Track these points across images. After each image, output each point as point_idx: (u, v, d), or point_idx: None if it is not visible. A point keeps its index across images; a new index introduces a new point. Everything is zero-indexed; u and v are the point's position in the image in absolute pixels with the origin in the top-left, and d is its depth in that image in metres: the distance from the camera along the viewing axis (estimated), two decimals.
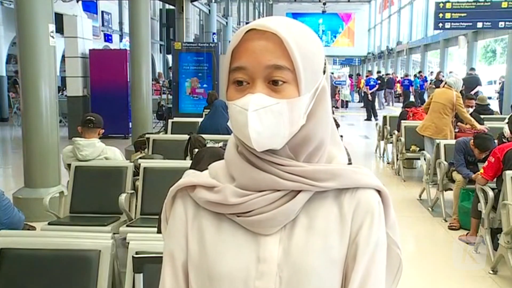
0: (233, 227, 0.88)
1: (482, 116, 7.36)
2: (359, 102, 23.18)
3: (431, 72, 23.48)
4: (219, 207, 0.88)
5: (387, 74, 25.51)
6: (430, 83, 18.26)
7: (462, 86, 7.28)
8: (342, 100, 21.33)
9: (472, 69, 15.48)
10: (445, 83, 6.94)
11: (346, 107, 21.58)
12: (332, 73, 24.23)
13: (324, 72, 0.89)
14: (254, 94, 0.82)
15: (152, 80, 12.39)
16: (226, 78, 0.87)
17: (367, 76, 19.74)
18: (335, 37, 41.11)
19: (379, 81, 19.45)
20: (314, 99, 0.86)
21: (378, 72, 27.54)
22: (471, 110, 6.96)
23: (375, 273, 0.86)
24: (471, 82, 13.49)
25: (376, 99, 18.60)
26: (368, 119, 16.47)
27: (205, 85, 11.46)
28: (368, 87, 17.40)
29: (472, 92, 11.40)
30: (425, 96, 20.11)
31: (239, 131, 0.84)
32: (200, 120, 7.06)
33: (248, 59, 0.83)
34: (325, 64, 0.89)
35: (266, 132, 0.82)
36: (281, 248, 0.86)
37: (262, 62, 0.82)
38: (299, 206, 0.86)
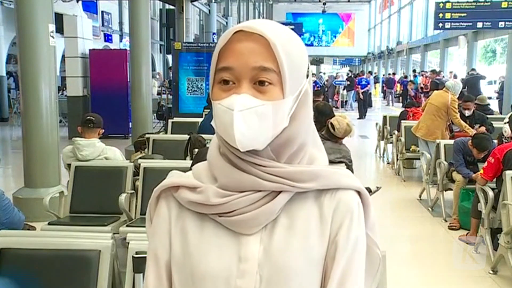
0: (216, 227, 0.89)
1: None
2: None
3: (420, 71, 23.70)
4: (201, 207, 0.89)
5: (389, 74, 25.55)
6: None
7: (465, 87, 7.30)
8: (341, 100, 21.42)
9: (473, 69, 15.49)
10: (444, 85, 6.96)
11: (342, 106, 21.61)
12: (337, 74, 24.43)
13: (307, 76, 0.90)
14: (240, 94, 0.84)
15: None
16: (212, 77, 0.89)
17: (359, 76, 20.38)
18: (335, 37, 41.10)
19: (348, 82, 20.55)
20: (297, 102, 0.88)
21: (350, 71, 28.20)
22: (468, 112, 6.91)
23: (354, 272, 0.87)
24: (473, 82, 13.52)
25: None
26: (360, 117, 16.89)
27: (204, 85, 11.46)
28: (359, 86, 17.84)
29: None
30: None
31: (224, 131, 0.85)
32: (200, 120, 7.06)
33: (235, 60, 0.85)
34: (308, 68, 0.91)
35: (250, 133, 0.83)
36: (262, 247, 0.87)
37: (249, 63, 0.84)
38: (280, 206, 0.87)
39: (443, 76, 16.67)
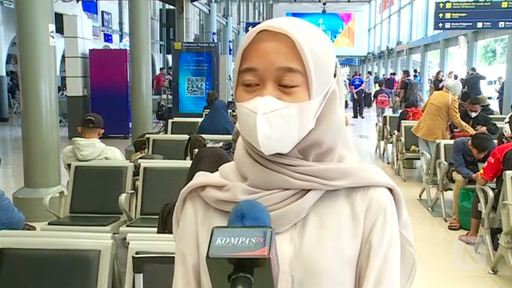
0: None
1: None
2: None
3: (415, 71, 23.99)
4: (229, 205, 0.87)
5: (391, 74, 25.57)
6: (430, 83, 18.36)
7: (464, 87, 7.33)
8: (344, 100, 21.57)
9: (473, 69, 15.47)
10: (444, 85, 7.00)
11: (346, 106, 21.70)
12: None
13: (335, 75, 0.88)
14: (264, 96, 0.81)
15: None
16: (236, 78, 0.86)
17: (353, 77, 20.89)
18: (335, 37, 41.04)
19: None
20: (324, 103, 0.85)
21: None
22: (474, 114, 6.92)
23: (389, 272, 0.85)
24: (473, 82, 13.51)
25: None
26: (355, 116, 17.08)
27: (204, 85, 11.47)
28: (353, 86, 18.36)
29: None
30: (424, 96, 20.38)
31: (248, 133, 0.84)
32: (200, 120, 7.06)
33: (260, 60, 0.82)
34: (336, 67, 0.88)
35: (275, 136, 0.81)
36: (292, 246, 0.85)
37: (274, 64, 0.82)
38: (309, 204, 0.85)
39: (443, 76, 16.67)
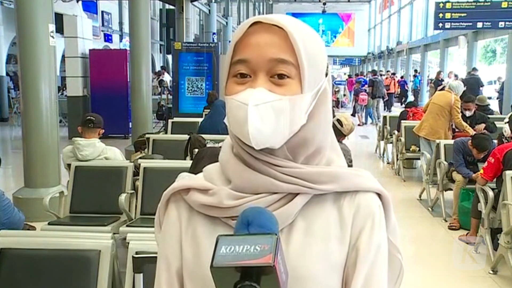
0: (228, 231, 0.83)
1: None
2: None
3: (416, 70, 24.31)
4: (213, 210, 0.85)
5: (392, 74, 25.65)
6: (430, 83, 18.38)
7: (464, 87, 7.33)
8: (340, 100, 21.50)
9: (474, 69, 15.42)
10: (445, 85, 7.00)
11: (343, 106, 21.70)
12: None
13: (326, 74, 0.87)
14: (255, 88, 0.80)
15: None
16: (227, 71, 0.85)
17: (357, 76, 20.94)
18: (335, 37, 41.07)
19: None
20: (315, 100, 0.84)
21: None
22: (468, 113, 6.91)
23: (377, 278, 0.84)
24: (472, 83, 13.51)
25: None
26: (353, 115, 17.14)
27: (204, 85, 11.47)
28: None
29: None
30: (424, 96, 20.51)
31: (238, 127, 0.81)
32: (200, 120, 7.06)
33: (252, 52, 0.81)
34: (327, 67, 0.88)
35: (266, 129, 0.79)
36: None
37: (266, 55, 0.80)
38: (297, 209, 0.83)
39: (443, 76, 16.70)
